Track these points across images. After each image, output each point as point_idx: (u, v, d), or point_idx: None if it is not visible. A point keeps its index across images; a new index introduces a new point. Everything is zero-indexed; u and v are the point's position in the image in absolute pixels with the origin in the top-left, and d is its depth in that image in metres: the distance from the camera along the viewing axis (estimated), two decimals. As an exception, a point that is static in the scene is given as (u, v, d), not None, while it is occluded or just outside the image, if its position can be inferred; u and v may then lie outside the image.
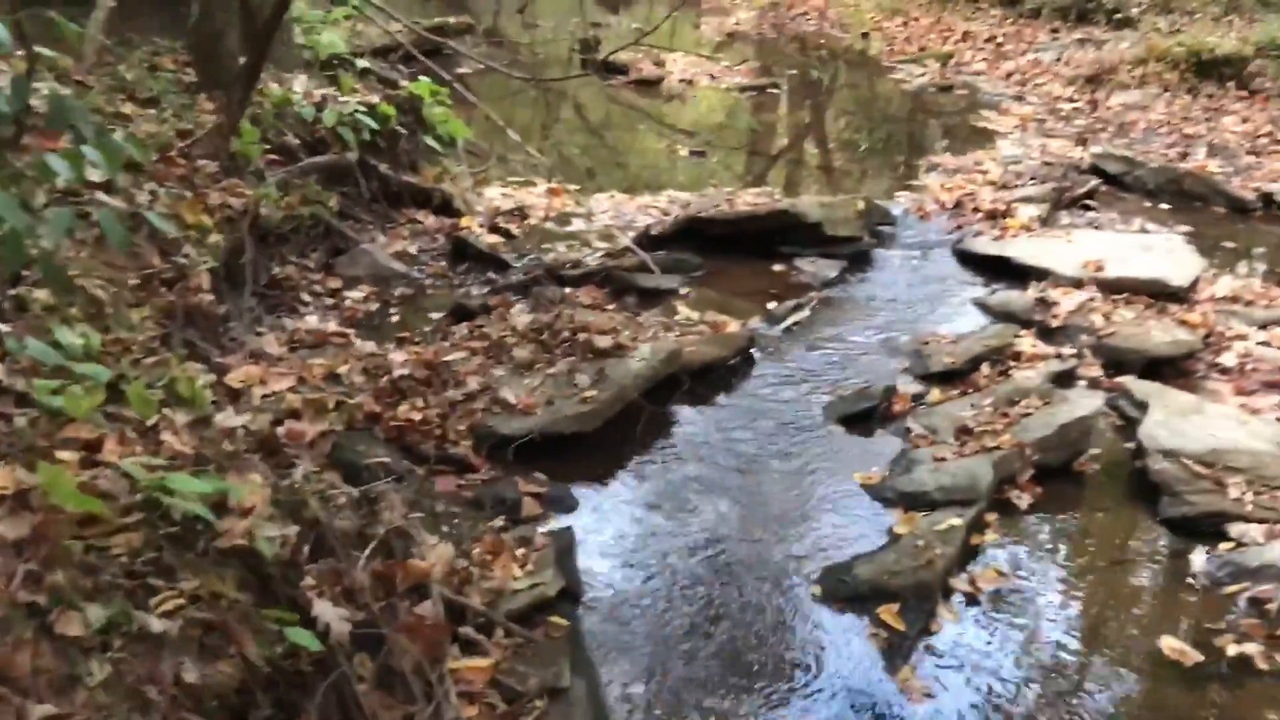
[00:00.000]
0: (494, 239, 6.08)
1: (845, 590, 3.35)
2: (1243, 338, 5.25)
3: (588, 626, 3.16)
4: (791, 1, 14.88)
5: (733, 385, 4.67)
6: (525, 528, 3.56)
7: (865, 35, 13.47)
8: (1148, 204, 7.56)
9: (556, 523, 3.65)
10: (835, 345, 5.11)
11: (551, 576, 3.22)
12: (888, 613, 3.24)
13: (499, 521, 3.56)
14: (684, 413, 4.41)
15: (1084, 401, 4.29)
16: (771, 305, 5.46)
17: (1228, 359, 5.04)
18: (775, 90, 10.45)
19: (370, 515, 3.16)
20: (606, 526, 3.68)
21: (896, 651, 3.11)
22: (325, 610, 2.64)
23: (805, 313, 5.42)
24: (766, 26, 14.05)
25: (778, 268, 5.98)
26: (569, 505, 3.77)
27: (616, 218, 6.55)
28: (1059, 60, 11.52)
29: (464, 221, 6.24)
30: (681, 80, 10.39)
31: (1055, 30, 12.66)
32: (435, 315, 5.18)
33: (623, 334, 4.66)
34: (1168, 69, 10.43)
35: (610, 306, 5.25)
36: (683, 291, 5.60)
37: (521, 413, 4.10)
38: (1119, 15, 12.19)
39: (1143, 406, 4.40)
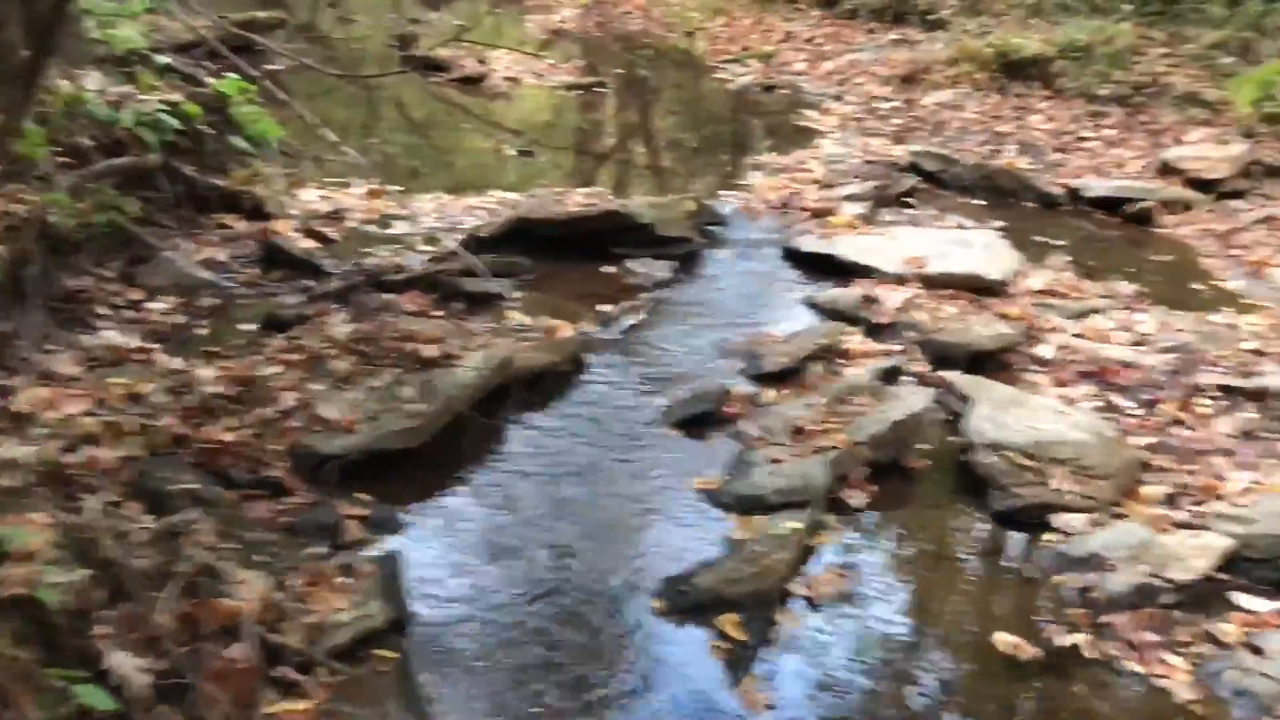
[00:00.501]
0: (310, 244, 5.78)
1: (686, 602, 3.26)
2: (1058, 329, 5.43)
3: (417, 658, 2.97)
4: (616, 0, 14.85)
5: (566, 392, 4.54)
6: (348, 554, 3.34)
7: (690, 34, 13.54)
8: (964, 200, 7.79)
9: (382, 547, 3.44)
10: (669, 347, 5.05)
11: (378, 606, 3.02)
12: (729, 623, 3.18)
13: (320, 549, 3.34)
14: (517, 423, 4.26)
15: (913, 398, 4.34)
16: (604, 308, 5.35)
17: (1045, 351, 5.21)
18: (602, 89, 10.37)
19: (174, 551, 2.91)
20: (436, 548, 3.50)
21: (739, 663, 3.04)
22: (121, 661, 2.40)
23: (638, 315, 5.34)
24: (591, 25, 13.97)
25: (610, 269, 5.88)
26: (395, 527, 3.57)
27: (441, 220, 6.33)
28: (876, 61, 11.81)
29: (278, 226, 5.90)
30: (506, 78, 10.18)
31: (872, 31, 12.98)
32: (247, 327, 4.86)
33: (450, 343, 4.48)
34: (978, 69, 10.81)
35: (436, 314, 5.05)
36: (513, 296, 5.43)
37: (343, 430, 3.86)
38: (932, 17, 12.57)
39: (967, 400, 4.48)
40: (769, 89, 11.04)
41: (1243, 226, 7.30)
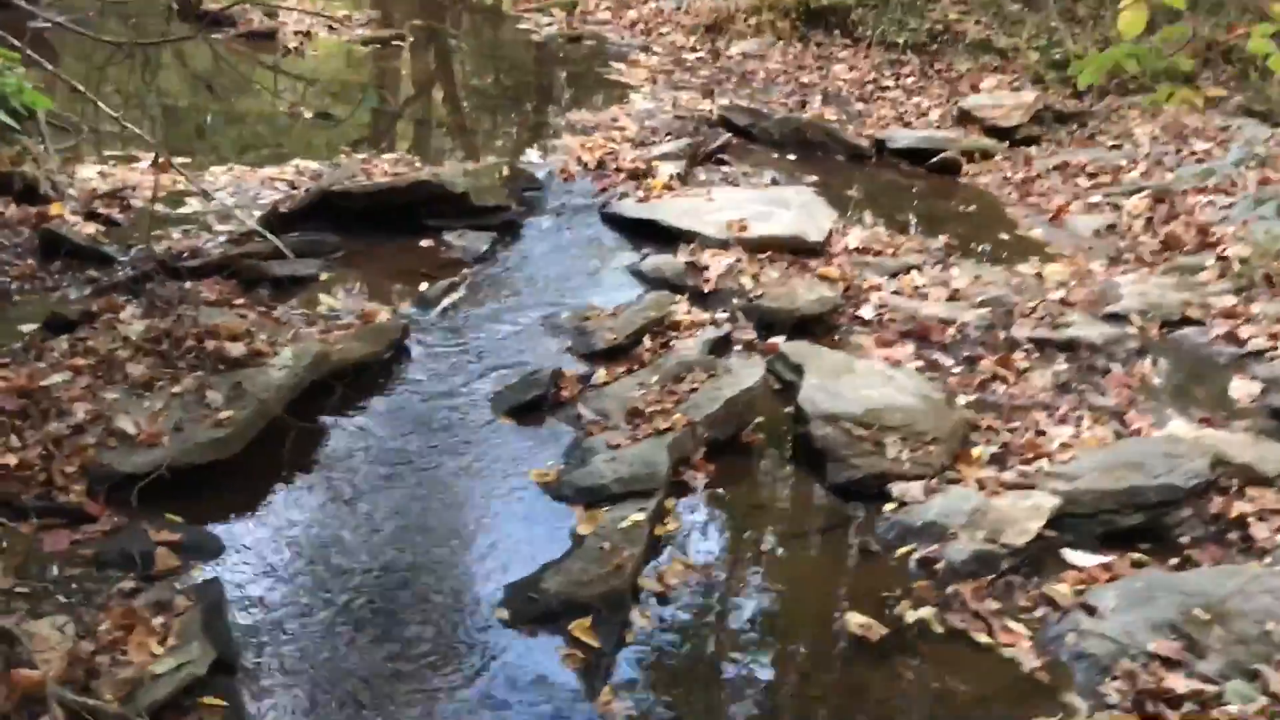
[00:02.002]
0: (93, 228, 5.29)
1: (535, 609, 3.12)
2: (877, 288, 5.51)
3: (249, 700, 2.73)
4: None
5: (390, 384, 4.30)
6: (162, 587, 3.05)
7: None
8: (775, 155, 7.82)
9: (200, 574, 3.16)
10: (495, 327, 4.85)
11: (199, 649, 2.75)
12: (581, 629, 3.06)
13: (129, 583, 3.04)
14: (338, 423, 3.99)
15: (746, 371, 4.30)
16: (423, 287, 5.11)
17: (867, 311, 5.27)
18: (401, 42, 9.91)
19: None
20: (259, 570, 3.23)
21: (595, 672, 2.93)
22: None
23: (459, 293, 5.12)
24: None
25: (425, 243, 5.62)
26: (212, 550, 3.28)
27: (238, 195, 5.90)
28: (680, 9, 11.74)
29: (54, 209, 5.37)
30: (297, 33, 9.60)
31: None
32: (26, 328, 4.38)
33: (258, 337, 4.16)
34: (780, 17, 10.89)
35: (240, 302, 4.69)
36: (323, 277, 5.12)
37: (144, 444, 3.53)
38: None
39: (798, 370, 4.47)
40: (575, 40, 10.81)
41: (1039, 174, 7.60)
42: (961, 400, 4.52)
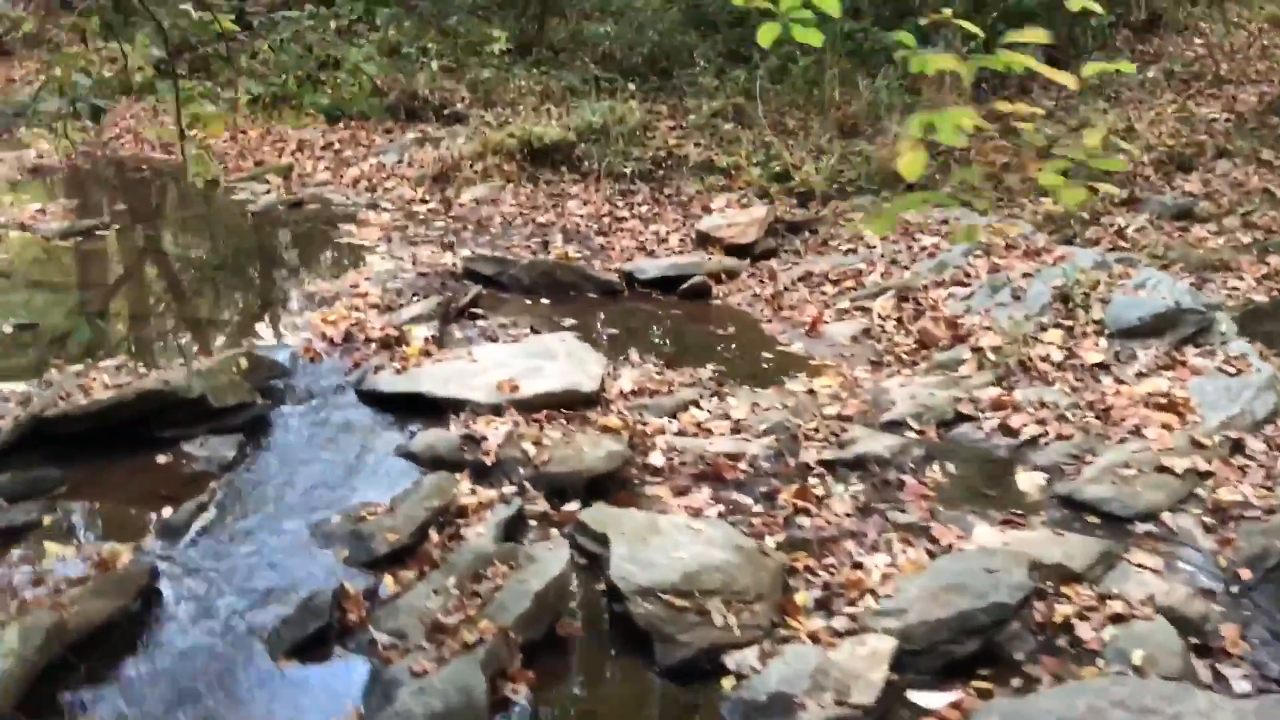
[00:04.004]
0: None
1: None
2: (661, 431, 5.33)
3: None
4: (101, 127, 13.36)
5: (143, 643, 3.66)
6: None
7: (196, 154, 12.45)
8: (528, 301, 7.63)
9: None
10: (257, 547, 4.29)
11: None
12: None
13: None
14: (85, 707, 3.35)
15: (550, 556, 3.96)
16: (166, 513, 4.49)
17: (655, 458, 5.07)
18: (104, 230, 9.12)
19: None
20: None
21: None
22: None
23: (210, 513, 4.53)
24: (78, 157, 12.44)
25: (163, 458, 4.99)
26: None
27: (-71, 438, 5.09)
28: (402, 162, 11.51)
29: None
30: (-16, 234, 8.70)
31: (389, 131, 12.66)
32: None
33: (-30, 620, 3.47)
34: (505, 160, 10.82)
35: (-55, 571, 3.96)
36: (46, 521, 4.41)
37: None
38: (447, 111, 12.52)
39: (602, 539, 4.18)
40: (296, 205, 10.32)
41: (785, 287, 7.74)
42: (771, 543, 4.35)
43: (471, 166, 10.89)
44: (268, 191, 10.76)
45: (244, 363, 5.69)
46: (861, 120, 10.65)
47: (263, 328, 6.97)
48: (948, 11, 2.85)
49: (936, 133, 2.28)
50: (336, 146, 12.38)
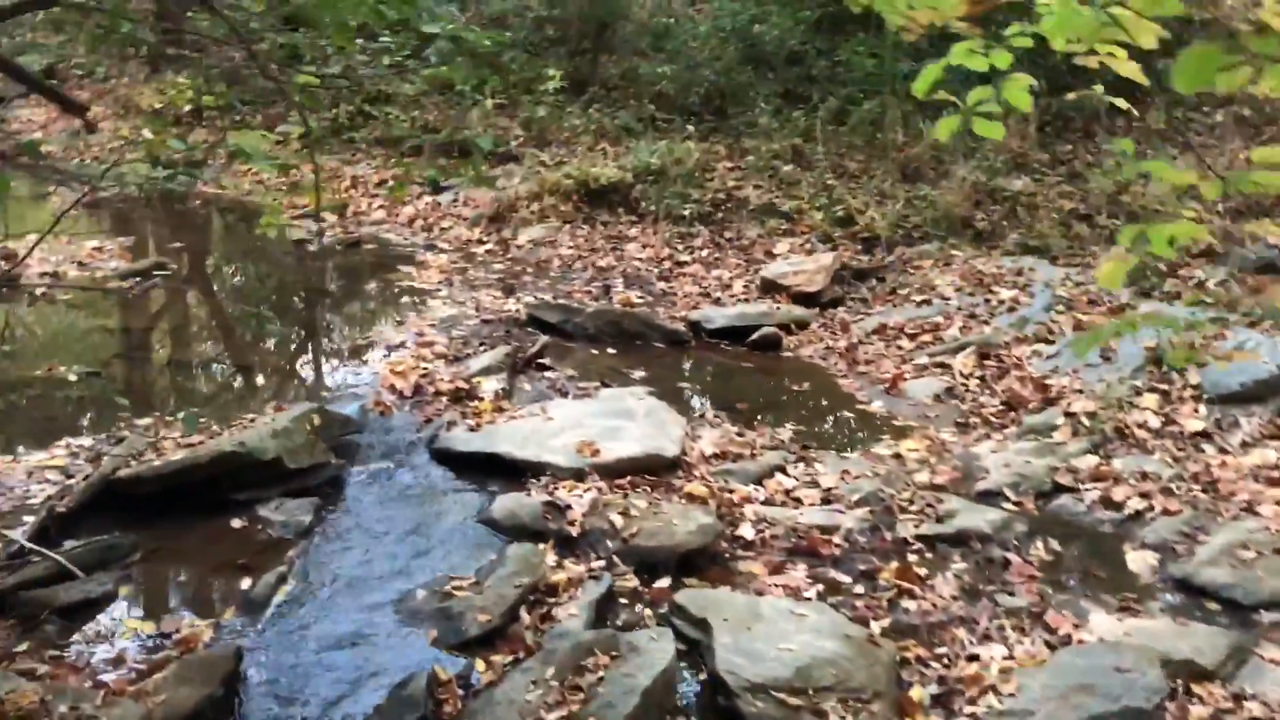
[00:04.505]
0: None
1: None
2: (748, 500, 5.15)
3: None
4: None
5: (229, 736, 3.52)
6: None
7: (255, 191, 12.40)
8: (595, 350, 7.47)
9: None
10: (341, 624, 4.13)
11: None
12: None
13: None
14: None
15: (654, 647, 3.78)
16: (245, 584, 4.35)
17: (745, 530, 4.88)
18: (164, 271, 9.05)
19: None
20: None
21: None
22: None
23: (290, 584, 4.38)
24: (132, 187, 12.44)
25: (238, 523, 4.85)
26: None
27: (2, 495, 4.96)
28: (457, 201, 11.42)
29: None
30: (44, 274, 8.61)
31: (444, 167, 12.59)
32: None
33: (57, 710, 3.32)
34: (562, 200, 10.70)
35: (22, 650, 3.81)
36: (122, 593, 4.28)
37: None
38: (501, 150, 12.42)
39: (703, 625, 3.99)
40: (353, 245, 10.25)
41: (859, 340, 7.54)
42: (876, 628, 4.15)
43: (528, 207, 10.78)
44: (324, 230, 10.68)
45: (316, 419, 5.55)
46: (924, 163, 10.44)
47: (329, 376, 6.83)
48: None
49: (1149, 245, 2.08)
50: (390, 184, 12.30)
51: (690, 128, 11.58)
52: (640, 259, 9.61)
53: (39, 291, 8.16)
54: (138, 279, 8.78)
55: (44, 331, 7.68)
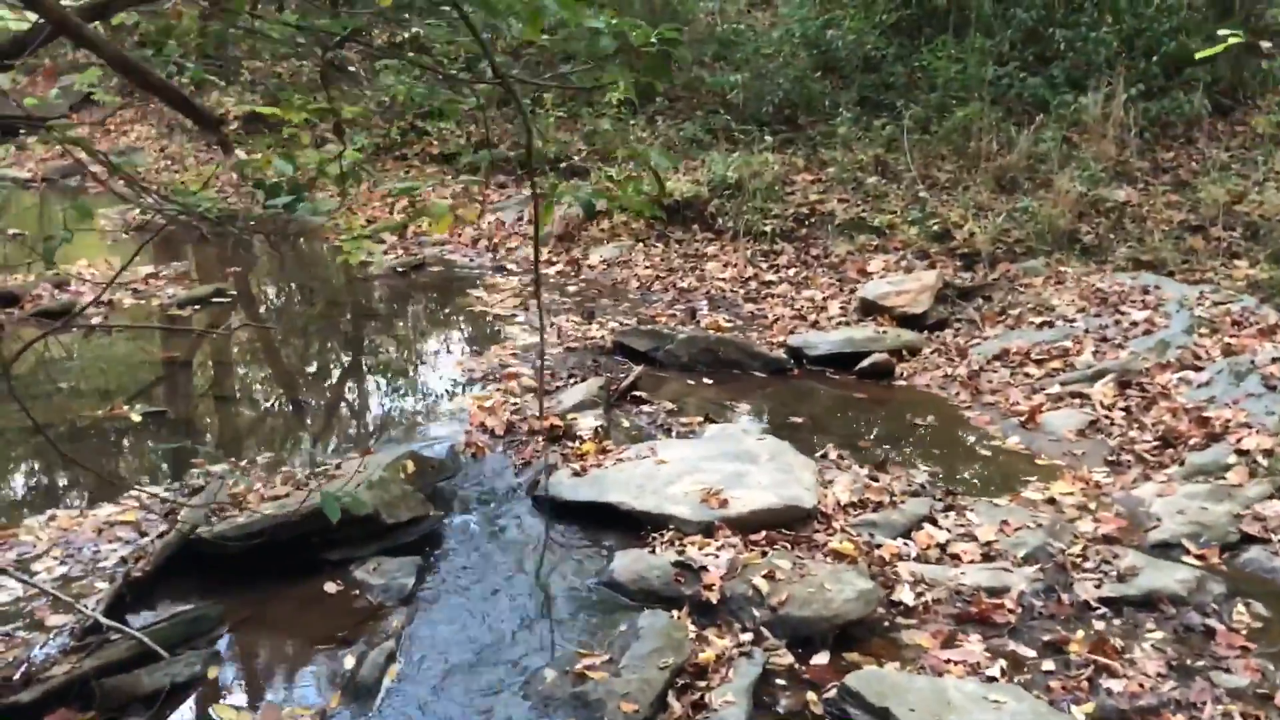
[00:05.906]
0: None
1: None
2: (899, 557, 4.57)
3: None
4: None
5: None
6: None
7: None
8: (690, 381, 6.94)
9: None
10: (463, 715, 3.60)
11: None
12: None
13: None
14: None
15: (843, 749, 3.22)
16: (348, 662, 3.82)
17: (904, 594, 4.30)
18: (223, 298, 8.59)
19: None
20: None
21: None
22: None
23: (399, 663, 3.86)
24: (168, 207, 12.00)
25: (332, 586, 4.34)
26: None
27: (70, 560, 4.47)
28: (521, 219, 10.93)
29: None
30: (99, 303, 8.15)
31: (504, 186, 12.12)
32: None
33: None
34: (634, 218, 10.18)
35: (105, 750, 3.31)
36: (211, 674, 3.77)
37: None
38: (564, 164, 11.92)
39: (882, 715, 3.43)
40: (417, 267, 9.78)
41: (980, 367, 6.94)
42: (1080, 715, 3.57)
43: (598, 224, 10.27)
44: (385, 251, 10.21)
45: (410, 466, 5.05)
46: (1020, 173, 9.83)
47: (415, 417, 6.31)
48: None
49: None
50: (450, 202, 11.83)
51: (768, 139, 11.02)
52: (723, 279, 9.07)
53: (95, 320, 7.71)
54: (197, 306, 8.33)
55: (101, 363, 7.21)
